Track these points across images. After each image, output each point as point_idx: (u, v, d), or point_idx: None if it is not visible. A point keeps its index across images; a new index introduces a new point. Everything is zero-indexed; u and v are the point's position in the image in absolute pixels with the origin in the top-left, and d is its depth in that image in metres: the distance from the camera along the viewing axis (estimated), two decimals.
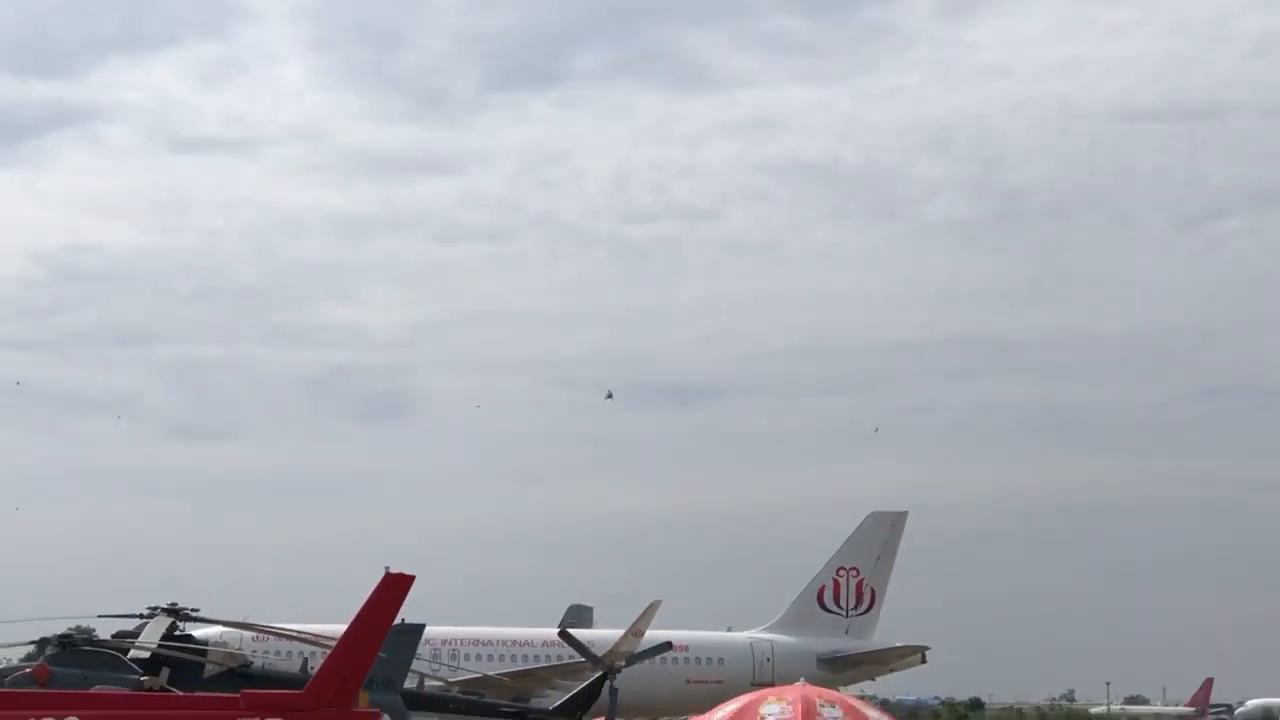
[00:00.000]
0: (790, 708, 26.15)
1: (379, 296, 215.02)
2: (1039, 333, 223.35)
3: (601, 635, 78.35)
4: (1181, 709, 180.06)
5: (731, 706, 26.70)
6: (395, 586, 25.71)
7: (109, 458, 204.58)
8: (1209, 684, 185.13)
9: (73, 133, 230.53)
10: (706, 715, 27.77)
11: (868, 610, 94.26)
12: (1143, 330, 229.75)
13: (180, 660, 50.59)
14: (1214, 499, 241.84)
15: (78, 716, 26.13)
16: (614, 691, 68.94)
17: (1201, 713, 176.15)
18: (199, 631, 59.45)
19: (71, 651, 48.11)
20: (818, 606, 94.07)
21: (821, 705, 26.32)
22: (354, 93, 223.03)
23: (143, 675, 47.37)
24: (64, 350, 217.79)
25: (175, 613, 52.39)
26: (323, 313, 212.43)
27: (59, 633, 53.64)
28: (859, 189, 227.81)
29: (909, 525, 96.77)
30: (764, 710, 26.48)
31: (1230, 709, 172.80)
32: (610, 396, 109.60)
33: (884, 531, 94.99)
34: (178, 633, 52.41)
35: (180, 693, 37.30)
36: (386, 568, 26.66)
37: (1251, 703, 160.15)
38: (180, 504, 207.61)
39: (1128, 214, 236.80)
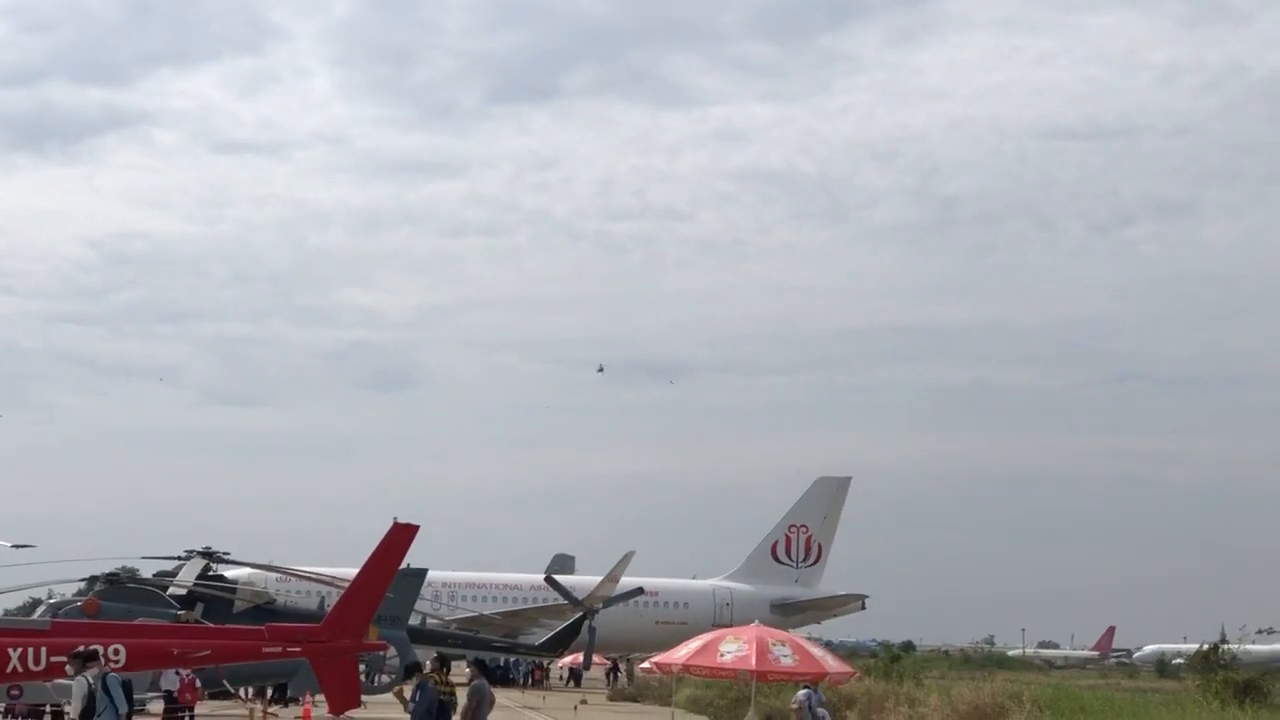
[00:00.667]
0: (746, 645, 28.86)
1: (392, 282, 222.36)
2: (969, 322, 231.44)
3: (582, 581, 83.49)
4: (1087, 653, 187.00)
5: (694, 644, 30.51)
6: (401, 535, 29.60)
7: (154, 420, 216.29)
8: (1111, 631, 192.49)
9: (126, 134, 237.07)
10: (672, 651, 32.24)
11: (815, 563, 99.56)
12: (1060, 322, 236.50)
13: (213, 597, 55.74)
14: (1119, 470, 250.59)
15: (123, 644, 29.02)
16: (592, 630, 75.83)
17: (1105, 656, 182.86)
18: (230, 572, 64.30)
19: (117, 587, 53.02)
20: (771, 559, 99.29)
21: (773, 644, 28.73)
22: (373, 103, 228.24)
23: (180, 610, 52.75)
24: (115, 325, 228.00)
25: (209, 555, 57.53)
26: (343, 296, 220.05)
27: (107, 571, 58.70)
28: (814, 195, 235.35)
29: (853, 488, 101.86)
30: (723, 648, 29.04)
31: (1130, 653, 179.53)
32: (601, 370, 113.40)
33: (830, 494, 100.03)
34: (211, 573, 57.69)
35: (213, 625, 40.40)
36: (394, 518, 30.88)
37: (1148, 648, 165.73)
38: (216, 461, 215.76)
39: (1049, 220, 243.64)
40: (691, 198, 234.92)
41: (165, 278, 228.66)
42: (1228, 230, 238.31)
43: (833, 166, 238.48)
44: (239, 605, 55.51)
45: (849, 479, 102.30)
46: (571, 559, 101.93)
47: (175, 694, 44.91)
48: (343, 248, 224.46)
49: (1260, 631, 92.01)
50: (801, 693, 31.05)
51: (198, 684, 45.80)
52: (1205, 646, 65.17)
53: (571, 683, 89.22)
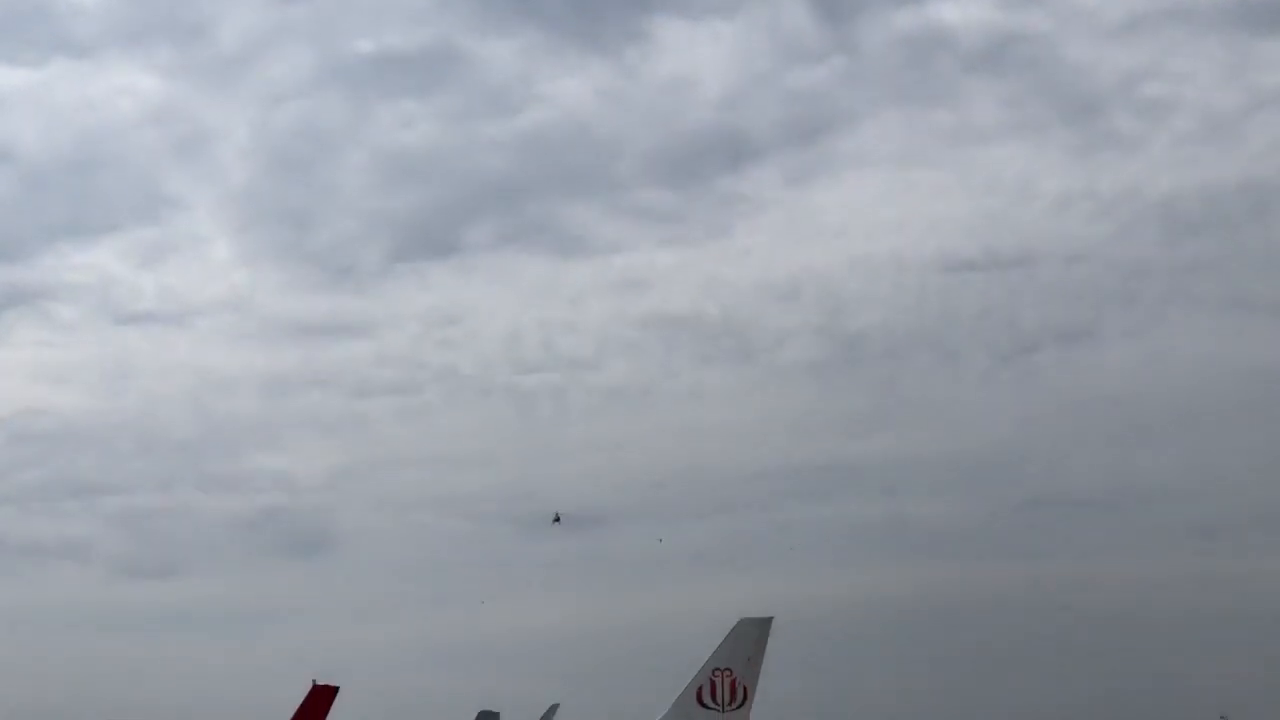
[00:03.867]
0: None
1: (303, 446, 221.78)
2: (881, 456, 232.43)
3: None
4: None
5: None
6: (320, 697, 29.61)
7: (66, 598, 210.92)
8: None
9: (26, 310, 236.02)
10: None
11: (741, 706, 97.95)
12: (970, 451, 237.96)
13: None
14: (1038, 597, 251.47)
15: None
16: None
17: None
18: None
19: None
20: (697, 704, 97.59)
21: None
22: (275, 268, 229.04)
23: None
24: (23, 504, 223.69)
25: None
26: (253, 462, 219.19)
27: None
28: (720, 337, 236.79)
29: (775, 629, 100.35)
30: None
31: None
32: (558, 520, 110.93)
33: (753, 635, 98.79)
34: None
35: None
36: (313, 680, 30.63)
37: None
38: (129, 635, 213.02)
39: (953, 351, 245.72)
40: (598, 346, 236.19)
41: (70, 453, 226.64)
42: (1129, 353, 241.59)
43: (738, 308, 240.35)
44: None
45: (770, 619, 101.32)
46: (496, 715, 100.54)
47: None
48: (251, 413, 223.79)
49: None
50: None
51: None
52: None
53: None
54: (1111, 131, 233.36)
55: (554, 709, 77.68)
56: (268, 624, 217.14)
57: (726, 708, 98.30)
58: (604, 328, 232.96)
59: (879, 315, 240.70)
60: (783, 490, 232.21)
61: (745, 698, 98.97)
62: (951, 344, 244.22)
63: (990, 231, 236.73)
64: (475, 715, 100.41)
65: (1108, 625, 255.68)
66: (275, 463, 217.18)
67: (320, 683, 28.76)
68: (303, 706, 28.54)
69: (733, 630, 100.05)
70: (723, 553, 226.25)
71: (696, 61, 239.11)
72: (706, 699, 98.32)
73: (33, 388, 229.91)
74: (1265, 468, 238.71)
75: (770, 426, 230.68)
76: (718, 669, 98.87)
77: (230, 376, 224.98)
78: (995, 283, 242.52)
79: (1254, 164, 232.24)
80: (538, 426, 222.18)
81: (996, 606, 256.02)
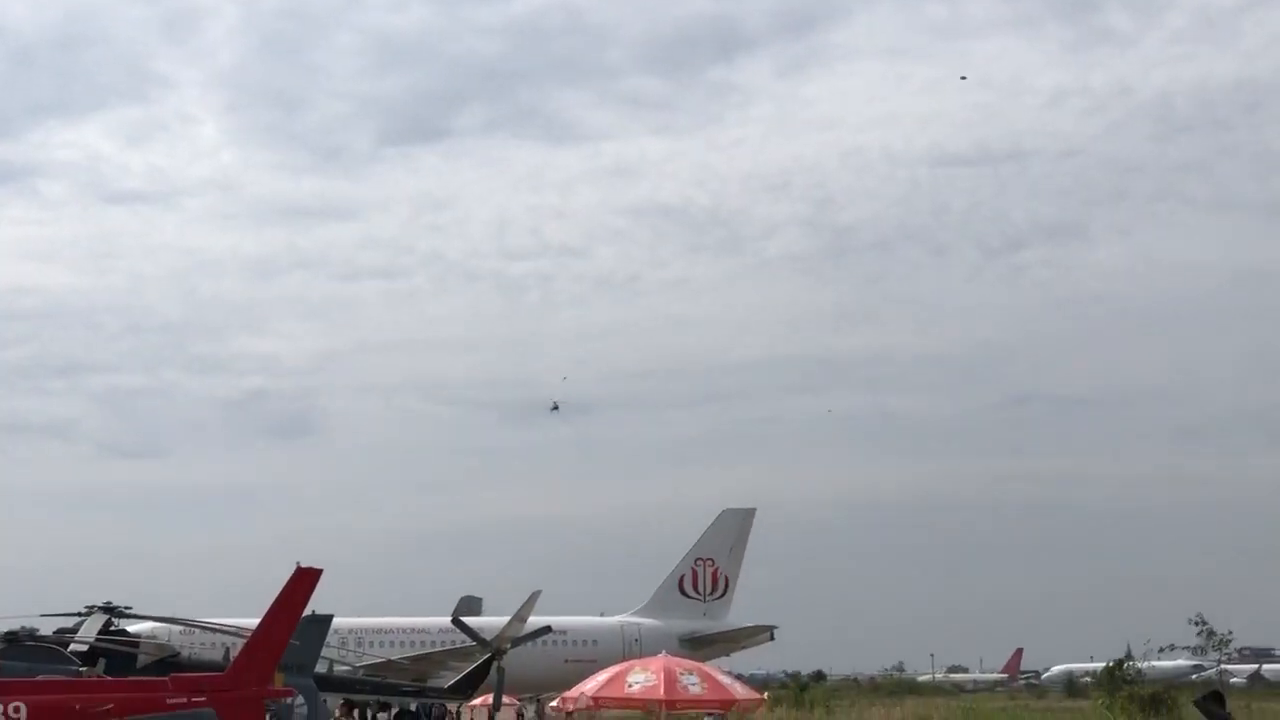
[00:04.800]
0: (654, 676, 28.74)
1: (288, 328, 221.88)
2: (867, 351, 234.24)
3: (489, 622, 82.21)
4: (996, 675, 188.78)
5: (602, 677, 30.45)
6: (304, 579, 28.96)
7: (50, 477, 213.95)
8: (1019, 653, 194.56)
9: (13, 187, 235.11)
10: (579, 685, 31.99)
11: (722, 595, 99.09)
12: (957, 347, 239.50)
13: (115, 652, 54.68)
14: (1020, 493, 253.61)
15: (24, 702, 28.65)
16: (501, 671, 75.06)
17: (1013, 678, 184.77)
18: (132, 627, 63.18)
19: (16, 647, 49.12)
20: (679, 593, 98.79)
21: (681, 673, 29.34)
22: (263, 149, 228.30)
23: (81, 666, 52.12)
24: (8, 382, 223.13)
25: (110, 610, 56.48)
26: (238, 344, 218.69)
27: (4, 630, 58.11)
28: (709, 228, 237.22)
29: (757, 520, 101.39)
30: (630, 679, 29.32)
31: (1038, 674, 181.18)
32: (556, 408, 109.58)
33: (736, 526, 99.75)
34: (113, 628, 57.00)
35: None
36: (297, 563, 30.49)
37: (1056, 668, 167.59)
38: (114, 515, 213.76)
39: (942, 246, 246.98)
40: (586, 234, 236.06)
41: (56, 332, 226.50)
42: (1117, 251, 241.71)
43: (728, 199, 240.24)
44: (142, 660, 54.51)
45: (753, 510, 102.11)
46: (478, 600, 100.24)
47: None
48: (237, 295, 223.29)
49: (1163, 650, 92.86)
50: None
51: None
52: (1110, 664, 65.97)
53: None
54: (1105, 27, 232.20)
55: (536, 596, 77.03)
56: (252, 505, 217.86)
57: (708, 597, 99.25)
58: (593, 216, 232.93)
59: (868, 209, 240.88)
60: (767, 383, 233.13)
61: (727, 587, 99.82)
62: (940, 239, 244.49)
63: (982, 126, 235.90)
64: (458, 601, 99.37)
65: (1090, 521, 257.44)
66: (260, 345, 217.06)
67: (304, 565, 28.20)
68: (286, 588, 27.99)
69: (716, 520, 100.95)
70: (707, 443, 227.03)
71: None
72: (688, 588, 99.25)
73: (19, 265, 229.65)
74: (1250, 367, 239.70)
75: (757, 318, 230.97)
76: (700, 558, 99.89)
77: (216, 258, 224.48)
78: (985, 178, 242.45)
79: (1248, 62, 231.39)
80: (525, 313, 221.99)
81: (979, 501, 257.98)
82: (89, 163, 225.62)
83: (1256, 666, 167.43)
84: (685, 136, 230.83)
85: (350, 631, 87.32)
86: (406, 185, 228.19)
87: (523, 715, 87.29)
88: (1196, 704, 25.98)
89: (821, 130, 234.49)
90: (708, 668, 31.91)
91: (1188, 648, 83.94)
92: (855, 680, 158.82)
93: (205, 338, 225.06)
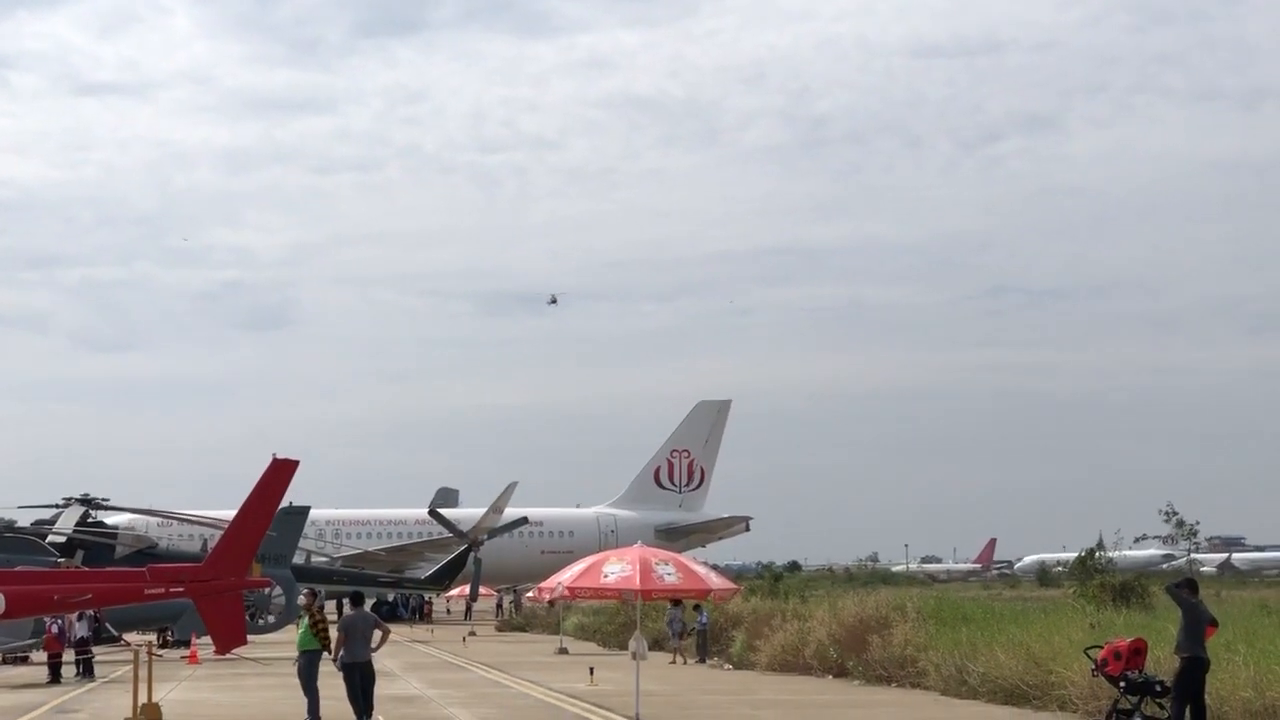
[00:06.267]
0: (630, 566, 27.81)
1: (263, 221, 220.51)
2: (842, 242, 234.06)
3: (466, 514, 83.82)
4: (970, 566, 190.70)
5: (578, 567, 30.23)
6: (281, 470, 28.99)
7: (25, 368, 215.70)
8: (992, 544, 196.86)
9: None
10: (555, 575, 32.07)
11: (698, 487, 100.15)
12: (932, 239, 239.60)
13: (93, 543, 55.42)
14: (995, 383, 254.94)
15: (2, 593, 28.70)
16: (478, 562, 76.22)
17: (987, 568, 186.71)
18: (110, 518, 64.02)
19: None
20: (654, 484, 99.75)
21: (656, 563, 28.72)
22: (236, 40, 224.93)
23: (59, 557, 52.51)
24: None
25: (88, 502, 57.18)
26: (213, 236, 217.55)
27: None
28: (683, 119, 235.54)
29: (733, 411, 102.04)
30: (606, 569, 29.07)
31: (1011, 565, 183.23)
32: (554, 301, 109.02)
33: (711, 418, 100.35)
34: (90, 520, 57.59)
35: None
36: (274, 454, 30.51)
37: (1029, 558, 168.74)
38: (89, 408, 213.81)
39: (918, 138, 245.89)
40: (561, 126, 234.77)
41: (31, 224, 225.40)
42: (1094, 143, 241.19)
43: (702, 90, 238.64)
44: (120, 551, 55.41)
45: (729, 402, 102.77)
46: (455, 492, 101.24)
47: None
48: (211, 187, 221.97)
49: (1137, 540, 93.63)
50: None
51: (66, 635, 45.10)
52: (1082, 554, 66.62)
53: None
54: None
55: (512, 487, 77.77)
56: (228, 397, 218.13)
57: (684, 488, 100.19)
58: (567, 107, 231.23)
59: (844, 99, 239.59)
60: (743, 274, 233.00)
61: (702, 479, 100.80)
62: (916, 131, 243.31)
63: (958, 16, 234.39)
64: (434, 492, 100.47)
65: (1064, 412, 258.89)
66: (235, 238, 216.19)
67: (280, 456, 28.21)
68: (263, 480, 28.02)
69: (691, 412, 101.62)
70: (682, 335, 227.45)
71: None
72: (664, 479, 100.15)
73: None
74: (1225, 260, 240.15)
75: (732, 209, 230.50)
76: (676, 450, 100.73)
77: (190, 150, 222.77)
78: (962, 69, 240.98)
79: None
80: (499, 205, 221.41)
81: (954, 393, 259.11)
82: (60, 54, 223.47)
83: (1226, 555, 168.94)
84: (660, 27, 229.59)
85: (328, 523, 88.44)
86: (381, 78, 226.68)
87: (500, 605, 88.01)
88: (1169, 590, 26.25)
89: (797, 21, 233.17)
90: (683, 558, 31.80)
91: (1159, 537, 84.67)
92: (830, 570, 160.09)
93: (180, 230, 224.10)
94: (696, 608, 49.17)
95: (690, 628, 50.56)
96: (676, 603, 47.47)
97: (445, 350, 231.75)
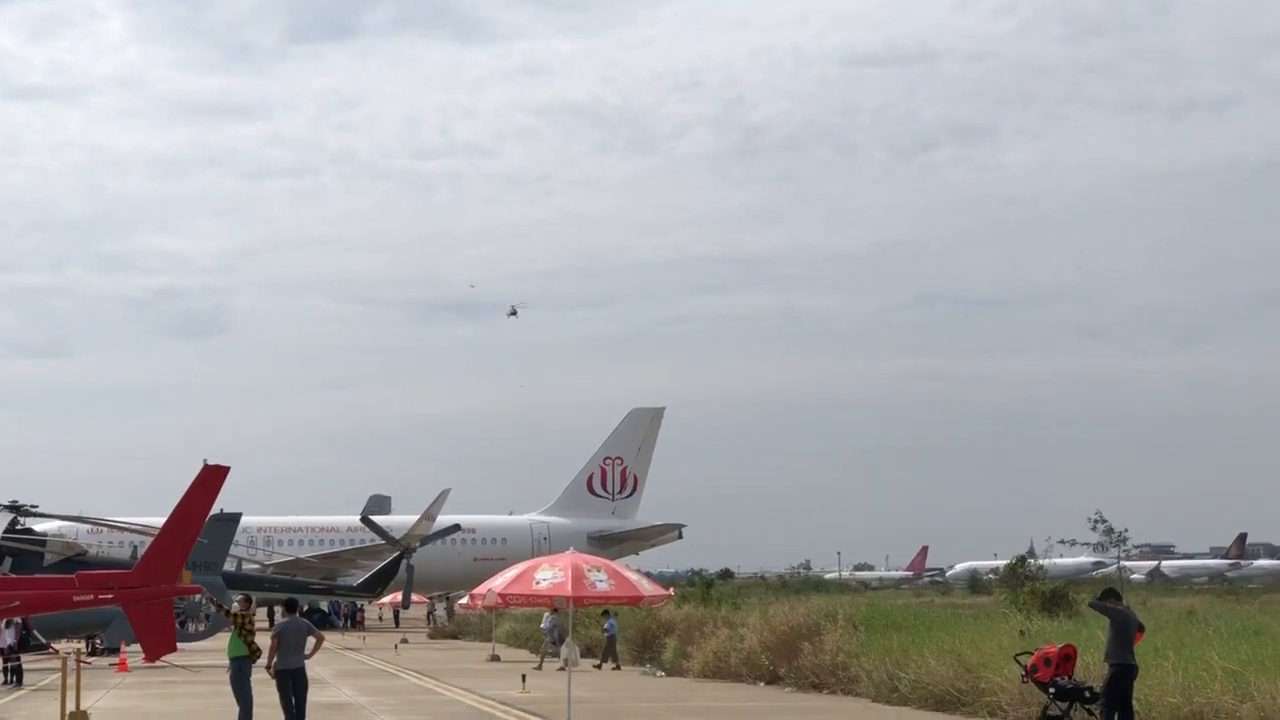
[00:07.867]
0: (562, 572, 27.60)
1: (196, 227, 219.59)
2: (777, 250, 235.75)
3: (399, 521, 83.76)
4: (902, 573, 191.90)
5: (510, 574, 30.26)
6: (212, 476, 28.76)
7: None
8: (924, 551, 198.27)
9: None
10: (487, 582, 32.11)
11: (631, 494, 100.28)
12: (867, 247, 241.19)
13: (21, 550, 55.01)
14: (928, 392, 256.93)
15: None
16: (410, 569, 76.10)
17: (919, 576, 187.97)
18: (39, 525, 63.52)
19: None
20: (587, 491, 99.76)
21: (588, 570, 28.89)
22: (169, 45, 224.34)
23: None
24: None
25: (16, 509, 56.55)
26: (145, 242, 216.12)
27: None
28: (618, 127, 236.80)
29: (666, 419, 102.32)
30: (538, 576, 29.11)
31: (943, 572, 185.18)
32: (514, 313, 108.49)
33: (644, 425, 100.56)
34: (19, 527, 57.14)
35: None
36: (204, 460, 30.29)
37: (960, 566, 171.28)
38: (18, 413, 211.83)
39: (852, 146, 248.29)
40: (496, 133, 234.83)
41: None
42: (1026, 152, 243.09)
43: (637, 98, 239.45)
44: (49, 558, 54.93)
45: (662, 409, 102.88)
46: (387, 499, 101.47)
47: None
48: (143, 193, 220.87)
49: (1063, 542, 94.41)
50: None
51: None
52: (1013, 561, 67.17)
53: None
54: None
55: (445, 494, 77.73)
56: (159, 404, 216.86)
57: (617, 495, 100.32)
58: (502, 114, 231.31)
59: (777, 108, 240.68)
60: (677, 282, 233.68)
61: (635, 486, 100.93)
62: (850, 139, 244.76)
63: (892, 25, 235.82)
64: (367, 499, 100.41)
65: (995, 421, 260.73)
66: (168, 244, 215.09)
67: (211, 463, 28.15)
68: (193, 486, 27.96)
69: (625, 419, 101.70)
70: (616, 342, 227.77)
71: None
72: (597, 486, 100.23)
73: None
74: (1155, 270, 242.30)
75: (666, 217, 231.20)
76: (609, 457, 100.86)
77: (122, 155, 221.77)
78: (896, 78, 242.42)
79: None
80: (434, 212, 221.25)
81: (886, 401, 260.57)
82: None
83: (1156, 563, 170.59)
84: (596, 35, 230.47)
85: (259, 530, 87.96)
86: (315, 83, 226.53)
87: (432, 613, 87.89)
88: (1092, 605, 26.52)
89: (732, 29, 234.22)
90: (616, 565, 31.78)
91: (1089, 544, 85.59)
92: (762, 578, 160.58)
93: (112, 236, 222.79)
94: (604, 614, 49.20)
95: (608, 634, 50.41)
96: (555, 610, 47.25)
97: (378, 357, 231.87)
